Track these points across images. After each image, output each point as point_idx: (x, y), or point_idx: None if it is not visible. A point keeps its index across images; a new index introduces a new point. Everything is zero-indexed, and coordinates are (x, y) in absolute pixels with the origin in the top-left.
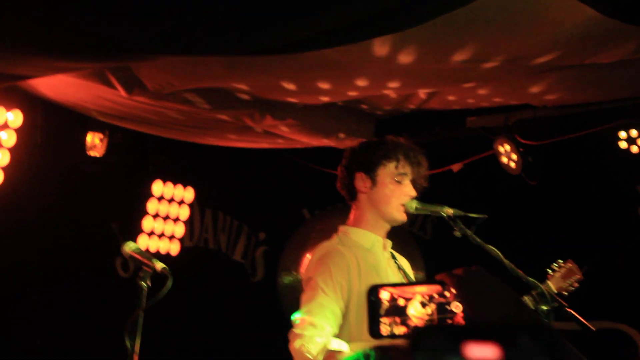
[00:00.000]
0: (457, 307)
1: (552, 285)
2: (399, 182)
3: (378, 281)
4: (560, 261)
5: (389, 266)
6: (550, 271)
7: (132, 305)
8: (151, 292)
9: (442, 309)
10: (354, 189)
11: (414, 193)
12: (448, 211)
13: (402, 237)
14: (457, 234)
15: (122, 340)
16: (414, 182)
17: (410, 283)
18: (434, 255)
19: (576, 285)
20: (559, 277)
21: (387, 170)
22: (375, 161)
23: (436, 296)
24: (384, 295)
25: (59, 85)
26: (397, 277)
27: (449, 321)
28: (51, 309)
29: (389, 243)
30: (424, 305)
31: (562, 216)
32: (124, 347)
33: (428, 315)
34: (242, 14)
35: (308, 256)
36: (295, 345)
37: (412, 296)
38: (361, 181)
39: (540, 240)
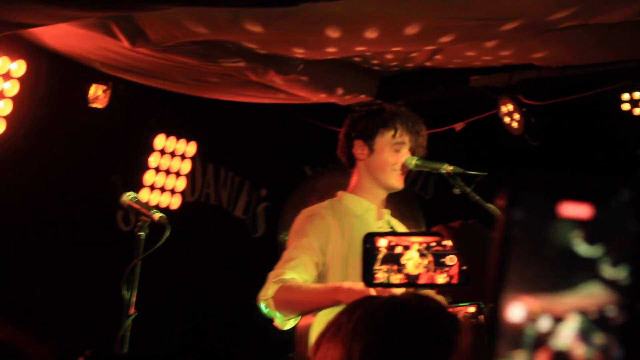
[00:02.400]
0: (451, 260)
1: None
2: (397, 151)
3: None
4: None
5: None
6: None
7: (132, 258)
8: (150, 242)
9: (439, 259)
10: (352, 156)
11: (411, 161)
12: (447, 168)
13: (403, 197)
14: (456, 191)
15: (120, 291)
16: (412, 151)
17: (407, 233)
18: (436, 214)
19: None
20: None
21: (385, 139)
22: (373, 129)
23: (434, 245)
24: (382, 242)
25: (62, 36)
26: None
27: (445, 272)
28: (51, 260)
29: (386, 212)
30: (421, 254)
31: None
32: (122, 299)
33: (425, 264)
34: None
35: (295, 220)
36: (259, 297)
37: (409, 245)
38: (359, 148)
39: None
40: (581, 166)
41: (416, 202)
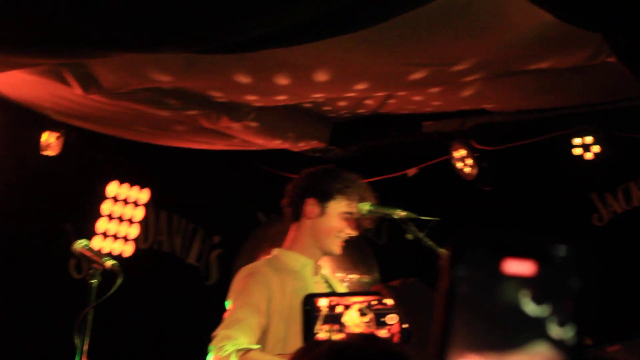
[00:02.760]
0: (392, 319)
1: None
2: (344, 219)
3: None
4: None
5: (319, 290)
6: None
7: (84, 306)
8: (103, 290)
9: (380, 318)
10: (300, 211)
11: (354, 233)
12: (400, 213)
13: (356, 243)
14: (409, 236)
15: (73, 340)
16: (358, 224)
17: (347, 293)
18: (389, 260)
19: None
20: None
21: (339, 205)
22: (330, 193)
23: (375, 304)
24: (322, 302)
25: (14, 83)
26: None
27: (386, 330)
28: (2, 310)
29: (321, 267)
30: (362, 313)
31: (516, 222)
32: (74, 346)
33: (366, 323)
34: (199, 11)
35: (235, 279)
36: (210, 358)
37: (350, 304)
38: (310, 207)
39: None
40: (533, 210)
41: (369, 248)
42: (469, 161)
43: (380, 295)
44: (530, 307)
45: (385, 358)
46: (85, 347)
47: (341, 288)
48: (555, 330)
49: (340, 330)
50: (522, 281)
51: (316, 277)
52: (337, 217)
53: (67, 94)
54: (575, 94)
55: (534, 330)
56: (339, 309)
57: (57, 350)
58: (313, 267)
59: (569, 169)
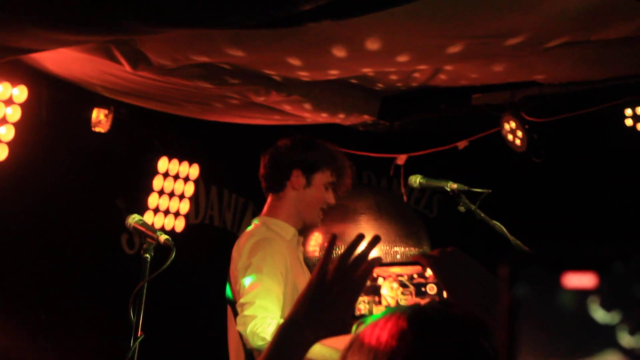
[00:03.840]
0: (432, 289)
1: None
2: (327, 189)
3: (302, 272)
4: None
5: (301, 261)
6: None
7: (137, 282)
8: (156, 265)
9: (420, 288)
10: (284, 182)
11: (333, 202)
12: (452, 186)
13: (409, 216)
14: (461, 208)
15: (127, 315)
16: (336, 193)
17: (389, 264)
18: (440, 233)
19: None
20: None
21: (324, 177)
22: (316, 164)
23: (416, 277)
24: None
25: (64, 60)
26: (306, 274)
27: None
28: (56, 286)
29: (302, 239)
30: (403, 285)
31: (566, 194)
32: (130, 321)
33: (406, 295)
34: None
35: (239, 244)
36: (248, 328)
37: (388, 275)
38: (296, 178)
39: (545, 217)
40: (584, 182)
41: (420, 221)
42: (519, 133)
43: (420, 265)
44: (599, 314)
45: (466, 322)
46: (140, 321)
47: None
48: (626, 339)
49: (379, 302)
50: (585, 293)
51: (300, 248)
52: (321, 188)
53: (116, 71)
54: (625, 64)
55: (603, 339)
56: (380, 281)
57: (111, 325)
58: (297, 239)
59: (620, 141)
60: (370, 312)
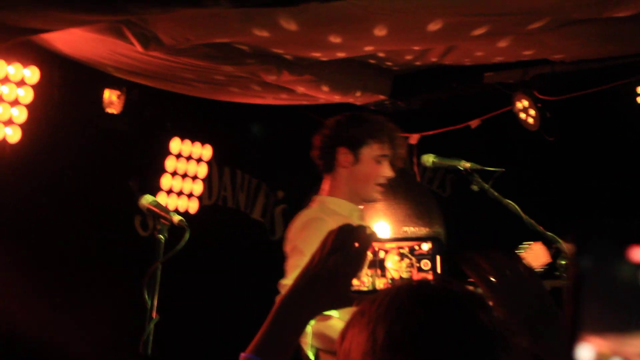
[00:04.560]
0: (426, 265)
1: None
2: (378, 163)
3: None
4: (528, 243)
5: None
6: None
7: (151, 263)
8: (170, 246)
9: (420, 263)
10: (334, 161)
11: (391, 174)
12: (465, 165)
13: (421, 195)
14: (475, 187)
15: (142, 296)
16: (392, 165)
17: (395, 239)
18: (454, 212)
19: (544, 267)
20: (530, 259)
21: (371, 150)
22: (361, 139)
23: (417, 248)
24: None
25: (75, 41)
26: None
27: (425, 275)
28: (69, 267)
29: (363, 214)
30: (403, 257)
31: (579, 172)
32: (144, 303)
33: (407, 268)
34: None
35: (292, 224)
36: None
37: (390, 249)
38: (343, 156)
39: (558, 196)
40: (597, 160)
41: (434, 200)
42: (532, 112)
43: (421, 239)
44: None
45: (465, 297)
46: (155, 303)
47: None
48: None
49: (382, 275)
50: None
51: (364, 224)
52: (372, 162)
53: (127, 52)
54: (638, 42)
55: None
56: (381, 254)
57: (126, 306)
58: (359, 213)
59: (632, 118)
60: (374, 285)
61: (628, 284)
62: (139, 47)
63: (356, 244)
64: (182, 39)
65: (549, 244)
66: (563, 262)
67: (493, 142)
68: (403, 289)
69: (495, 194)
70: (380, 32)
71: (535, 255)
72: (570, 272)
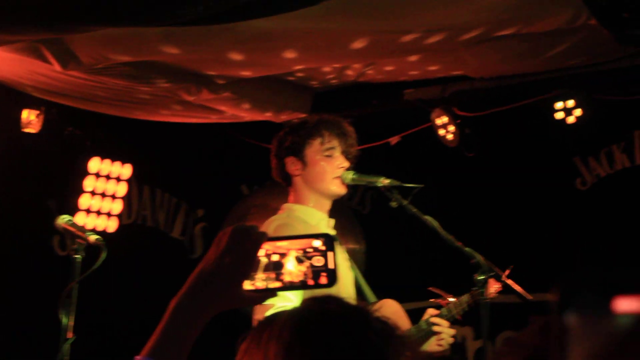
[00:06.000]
0: (319, 261)
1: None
2: (329, 157)
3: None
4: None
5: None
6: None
7: (69, 282)
8: (87, 266)
9: (315, 264)
10: (287, 174)
11: (346, 164)
12: (384, 181)
13: (341, 212)
14: (393, 204)
15: (58, 315)
16: (345, 153)
17: (288, 237)
18: (374, 229)
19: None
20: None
21: (314, 148)
22: (300, 142)
23: (310, 251)
24: (259, 252)
25: None
26: (342, 255)
27: (318, 273)
28: None
29: (332, 222)
30: (299, 260)
31: (499, 187)
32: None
33: (302, 271)
34: None
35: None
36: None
37: (286, 252)
38: (292, 165)
39: (477, 211)
40: (517, 176)
41: (354, 218)
42: (451, 128)
43: (316, 236)
44: None
45: (351, 319)
46: (71, 323)
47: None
48: None
49: (277, 278)
50: (636, 316)
51: (331, 231)
52: (320, 159)
53: (46, 71)
54: (556, 57)
55: None
56: (274, 257)
57: (42, 326)
58: (327, 222)
59: (551, 133)
60: (267, 288)
61: (615, 335)
62: (57, 67)
63: (248, 244)
64: (101, 58)
65: (467, 259)
66: (481, 278)
67: (413, 158)
68: (285, 328)
69: (414, 210)
70: (291, 53)
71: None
72: (554, 326)
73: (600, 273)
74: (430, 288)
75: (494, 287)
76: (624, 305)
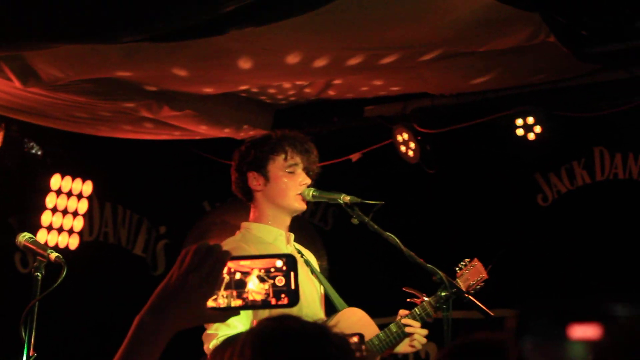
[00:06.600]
0: (280, 281)
1: (461, 284)
2: (291, 173)
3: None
4: (467, 260)
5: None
6: (457, 270)
7: (31, 300)
8: (48, 283)
9: (274, 281)
10: (248, 189)
11: (308, 181)
12: (345, 198)
13: (303, 229)
14: (355, 221)
15: (20, 333)
16: (306, 170)
17: (250, 257)
18: (336, 246)
19: (481, 284)
20: (466, 276)
21: (277, 164)
22: (263, 157)
23: (273, 271)
24: (223, 270)
25: None
26: (304, 271)
27: (279, 293)
28: None
29: (292, 236)
30: (261, 279)
31: (460, 204)
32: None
33: (265, 290)
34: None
35: None
36: (210, 346)
37: (249, 270)
38: (254, 180)
39: (439, 228)
40: (478, 192)
41: (316, 234)
42: (412, 144)
43: (280, 256)
44: None
45: (310, 335)
46: (32, 341)
47: (311, 256)
48: None
49: (239, 296)
50: (589, 344)
51: (290, 247)
52: (283, 176)
53: (5, 87)
54: (516, 74)
55: None
56: (237, 276)
57: (3, 343)
58: (285, 238)
59: (512, 150)
60: (229, 306)
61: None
62: (17, 84)
63: (211, 262)
64: (61, 75)
65: (428, 275)
66: (443, 294)
67: (374, 175)
68: (256, 330)
69: (375, 227)
70: (249, 69)
71: (473, 271)
72: (512, 353)
73: (556, 301)
74: (405, 288)
75: (480, 275)
76: (578, 332)
